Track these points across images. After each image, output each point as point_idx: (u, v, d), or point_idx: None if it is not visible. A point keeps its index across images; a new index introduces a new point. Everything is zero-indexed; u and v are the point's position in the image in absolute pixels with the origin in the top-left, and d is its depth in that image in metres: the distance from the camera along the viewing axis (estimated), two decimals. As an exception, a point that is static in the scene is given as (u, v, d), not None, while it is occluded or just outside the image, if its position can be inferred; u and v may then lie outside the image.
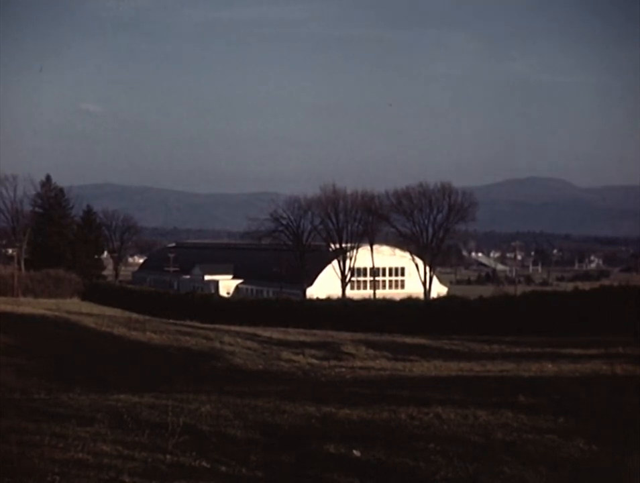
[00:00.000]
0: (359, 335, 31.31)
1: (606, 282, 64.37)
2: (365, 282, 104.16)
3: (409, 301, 48.15)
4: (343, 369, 20.54)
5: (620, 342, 24.07)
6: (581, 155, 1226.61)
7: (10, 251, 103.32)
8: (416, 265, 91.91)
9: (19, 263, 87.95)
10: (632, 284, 38.08)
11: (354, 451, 9.37)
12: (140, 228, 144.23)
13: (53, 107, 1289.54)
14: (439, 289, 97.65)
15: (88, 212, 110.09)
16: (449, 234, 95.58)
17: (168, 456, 9.09)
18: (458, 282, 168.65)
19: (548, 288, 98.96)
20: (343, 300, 60.68)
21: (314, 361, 22.86)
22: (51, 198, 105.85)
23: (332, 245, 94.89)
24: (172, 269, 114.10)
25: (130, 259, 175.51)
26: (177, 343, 26.87)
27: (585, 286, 50.15)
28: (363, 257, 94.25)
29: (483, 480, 8.35)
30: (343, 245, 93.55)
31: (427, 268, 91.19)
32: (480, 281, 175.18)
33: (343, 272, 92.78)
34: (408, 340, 29.56)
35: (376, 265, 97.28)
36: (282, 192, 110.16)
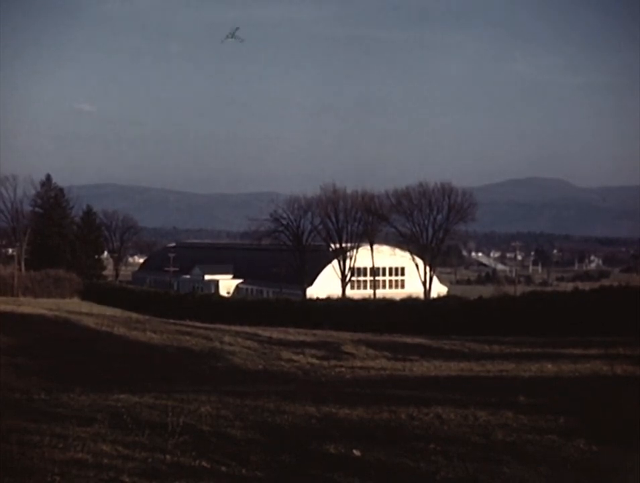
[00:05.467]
0: (359, 335, 31.32)
1: (606, 282, 64.27)
2: (365, 281, 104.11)
3: (409, 301, 48.19)
4: (343, 369, 20.54)
5: (620, 342, 24.08)
6: (581, 155, 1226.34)
7: (10, 251, 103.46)
8: (416, 265, 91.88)
9: (19, 263, 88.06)
10: (632, 284, 38.12)
11: (354, 451, 9.36)
12: (140, 228, 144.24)
13: (53, 107, 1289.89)
14: (439, 289, 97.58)
15: (88, 213, 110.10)
16: (449, 234, 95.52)
17: (168, 456, 9.08)
18: (458, 282, 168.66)
19: (548, 288, 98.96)
20: (343, 300, 60.69)
21: (314, 361, 22.85)
22: (51, 199, 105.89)
23: (332, 245, 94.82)
24: (172, 269, 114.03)
25: (130, 260, 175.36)
26: (177, 343, 26.88)
27: (585, 286, 50.24)
28: (363, 257, 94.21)
29: (483, 480, 8.34)
30: (343, 245, 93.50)
31: (427, 268, 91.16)
32: (480, 281, 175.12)
33: (343, 272, 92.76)
34: (408, 340, 29.56)
35: (376, 265, 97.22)
36: (282, 192, 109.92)
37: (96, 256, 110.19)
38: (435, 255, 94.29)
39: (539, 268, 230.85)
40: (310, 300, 61.19)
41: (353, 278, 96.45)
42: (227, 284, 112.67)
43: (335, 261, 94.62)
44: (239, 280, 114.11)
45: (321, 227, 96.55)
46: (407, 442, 9.83)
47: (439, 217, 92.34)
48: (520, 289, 77.04)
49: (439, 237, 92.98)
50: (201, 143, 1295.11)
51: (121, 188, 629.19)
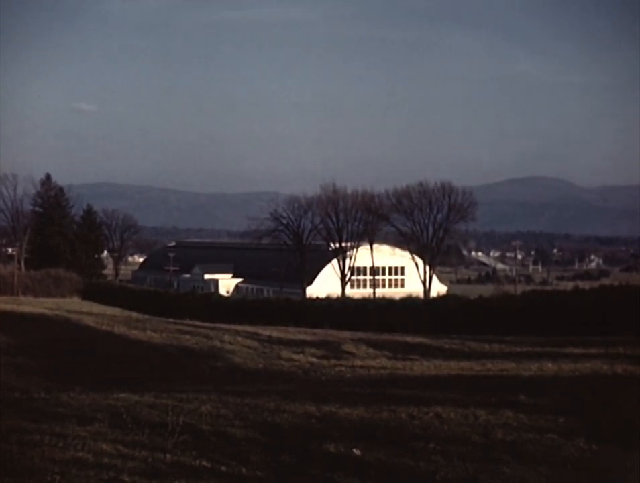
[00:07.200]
0: (359, 334, 31.32)
1: (606, 281, 64.22)
2: (365, 281, 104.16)
3: (409, 300, 48.15)
4: (343, 369, 20.53)
5: (621, 342, 24.05)
6: (581, 156, 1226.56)
7: (10, 250, 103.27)
8: (416, 265, 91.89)
9: (19, 262, 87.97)
10: (632, 284, 38.03)
11: (354, 451, 9.35)
12: (140, 227, 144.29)
13: (53, 107, 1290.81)
14: (438, 288, 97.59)
15: (88, 212, 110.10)
16: (449, 233, 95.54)
17: (168, 455, 9.07)
18: (458, 281, 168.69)
19: (548, 288, 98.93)
20: (343, 299, 60.67)
21: (314, 360, 22.84)
22: (51, 198, 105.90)
23: (332, 245, 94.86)
24: (172, 268, 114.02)
25: (130, 259, 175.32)
26: (177, 342, 26.87)
27: (585, 285, 50.22)
28: (363, 256, 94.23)
29: (483, 480, 8.33)
30: (343, 244, 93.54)
31: (427, 267, 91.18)
32: (480, 280, 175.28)
33: (343, 271, 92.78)
34: (409, 339, 29.54)
35: (375, 265, 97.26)
36: (282, 192, 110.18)
37: (96, 255, 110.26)
38: (434, 255, 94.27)
39: (539, 267, 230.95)
40: (310, 299, 61.14)
41: (353, 278, 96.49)
42: (226, 284, 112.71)
43: (334, 261, 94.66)
44: (239, 280, 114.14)
45: (321, 226, 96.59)
46: (407, 442, 9.82)
47: (439, 216, 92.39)
48: (520, 288, 76.92)
49: (439, 237, 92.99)
50: (201, 142, 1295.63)
51: (121, 188, 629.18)
